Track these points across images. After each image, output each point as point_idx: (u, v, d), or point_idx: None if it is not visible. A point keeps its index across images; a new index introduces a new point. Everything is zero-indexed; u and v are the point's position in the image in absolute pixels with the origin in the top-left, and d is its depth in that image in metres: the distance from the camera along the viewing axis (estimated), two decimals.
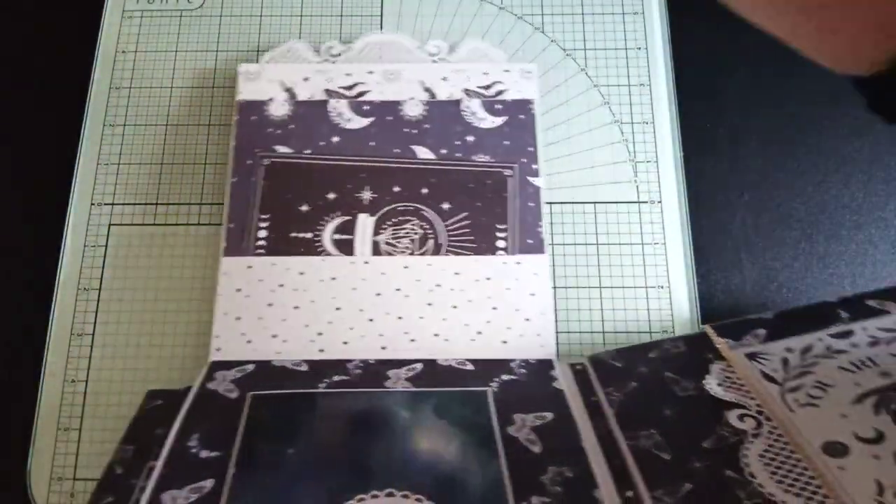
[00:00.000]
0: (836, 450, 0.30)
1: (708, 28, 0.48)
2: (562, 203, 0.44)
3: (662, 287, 0.42)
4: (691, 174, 0.44)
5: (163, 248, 0.43)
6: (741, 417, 0.33)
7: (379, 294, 0.41)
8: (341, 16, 0.49)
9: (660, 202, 0.44)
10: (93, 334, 0.41)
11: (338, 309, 0.40)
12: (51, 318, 0.42)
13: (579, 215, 0.44)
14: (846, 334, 0.35)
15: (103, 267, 0.43)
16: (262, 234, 0.42)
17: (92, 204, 0.44)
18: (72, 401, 0.40)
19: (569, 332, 0.41)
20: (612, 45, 0.48)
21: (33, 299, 0.42)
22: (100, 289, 0.42)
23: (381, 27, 0.48)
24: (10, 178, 0.46)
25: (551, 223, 0.43)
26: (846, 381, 0.32)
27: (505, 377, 0.37)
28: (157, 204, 0.44)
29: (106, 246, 0.43)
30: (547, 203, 0.44)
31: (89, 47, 0.48)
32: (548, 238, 0.43)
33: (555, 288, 0.42)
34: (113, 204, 0.44)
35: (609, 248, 0.43)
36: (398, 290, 0.41)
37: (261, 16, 0.49)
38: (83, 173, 0.45)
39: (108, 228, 0.44)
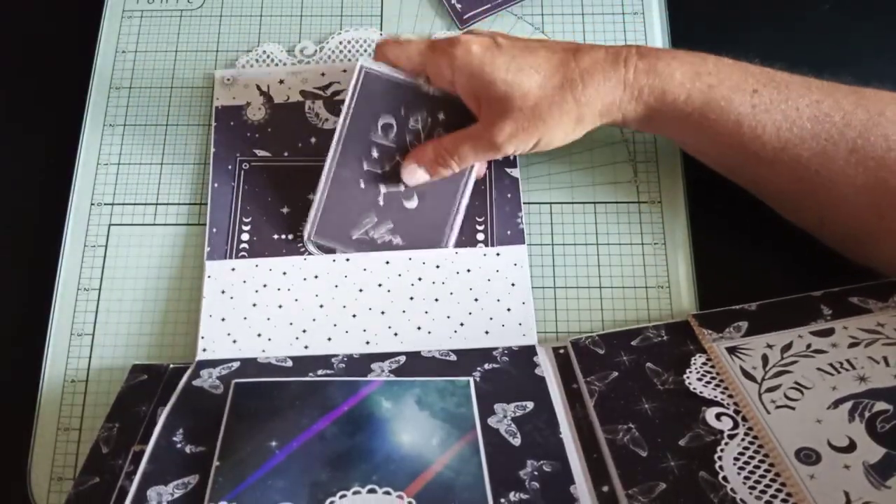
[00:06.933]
0: (808, 457, 0.30)
1: (708, 28, 0.48)
2: (562, 203, 0.44)
3: (662, 287, 0.42)
4: (691, 174, 0.44)
5: (162, 248, 0.43)
6: (718, 416, 0.33)
7: (361, 290, 0.41)
8: (341, 16, 0.49)
9: (660, 202, 0.44)
10: (93, 334, 0.41)
11: (321, 306, 0.40)
12: (51, 318, 0.42)
13: (579, 215, 0.44)
14: (827, 332, 0.35)
15: (103, 267, 0.43)
16: (245, 237, 0.42)
17: (92, 204, 0.44)
18: (72, 401, 0.40)
19: (569, 332, 0.41)
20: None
21: (33, 299, 0.42)
22: (100, 289, 0.42)
23: (381, 27, 0.48)
24: (11, 178, 0.46)
25: (551, 223, 0.43)
26: (823, 384, 0.32)
27: (488, 366, 0.37)
28: (157, 204, 0.44)
29: (106, 246, 0.43)
30: (547, 203, 0.44)
31: (89, 47, 0.48)
32: (547, 238, 0.43)
33: (555, 288, 0.42)
34: (113, 204, 0.44)
35: (609, 248, 0.43)
36: (380, 285, 0.41)
37: (261, 16, 0.49)
38: (83, 173, 0.45)
39: (108, 228, 0.44)
